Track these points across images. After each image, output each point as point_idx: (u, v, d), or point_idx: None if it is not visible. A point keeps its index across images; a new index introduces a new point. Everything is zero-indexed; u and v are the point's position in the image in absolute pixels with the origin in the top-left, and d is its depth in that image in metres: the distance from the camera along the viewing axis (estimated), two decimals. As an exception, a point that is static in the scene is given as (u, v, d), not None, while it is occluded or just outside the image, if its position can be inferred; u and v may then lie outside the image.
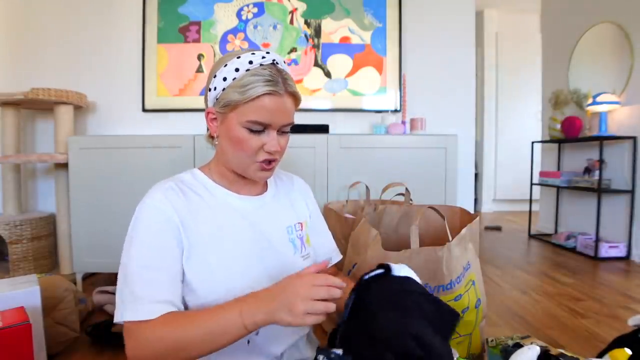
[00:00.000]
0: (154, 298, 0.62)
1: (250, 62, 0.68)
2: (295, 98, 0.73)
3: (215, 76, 0.72)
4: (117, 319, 0.63)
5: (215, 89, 0.72)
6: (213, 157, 0.81)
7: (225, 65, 0.70)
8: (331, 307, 0.57)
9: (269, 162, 0.73)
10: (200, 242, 0.69)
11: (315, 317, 0.57)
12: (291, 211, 0.84)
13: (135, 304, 0.61)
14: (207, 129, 0.78)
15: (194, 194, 0.73)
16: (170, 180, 0.74)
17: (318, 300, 0.57)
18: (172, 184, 0.72)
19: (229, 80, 0.69)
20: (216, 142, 0.76)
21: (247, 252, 0.73)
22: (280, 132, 0.73)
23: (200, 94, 2.39)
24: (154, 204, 0.68)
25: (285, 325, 0.58)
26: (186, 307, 0.69)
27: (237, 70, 0.68)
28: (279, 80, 0.68)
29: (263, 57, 0.69)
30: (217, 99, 0.72)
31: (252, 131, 0.70)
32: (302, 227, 0.84)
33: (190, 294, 0.68)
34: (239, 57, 0.70)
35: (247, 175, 0.75)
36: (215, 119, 0.74)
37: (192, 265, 0.68)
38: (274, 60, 0.70)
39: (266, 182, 0.84)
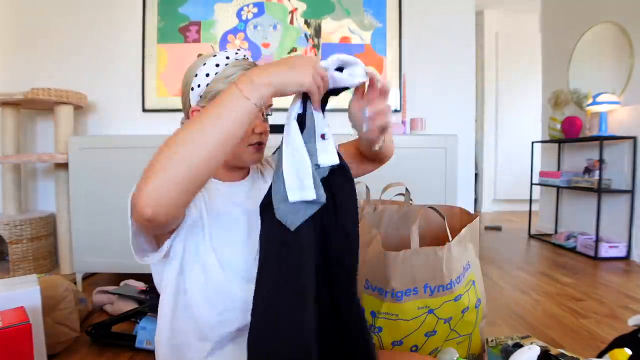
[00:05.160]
0: None
1: (227, 58, 0.76)
2: None
3: (196, 75, 0.77)
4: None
5: (199, 86, 0.76)
6: None
7: (205, 64, 0.76)
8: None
9: (259, 143, 0.78)
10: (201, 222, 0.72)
11: (314, 79, 0.59)
12: None
13: None
14: None
15: None
16: None
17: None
18: None
19: (212, 75, 0.75)
20: None
21: (241, 232, 0.75)
22: (263, 116, 0.79)
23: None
24: None
25: (286, 79, 0.58)
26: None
27: (217, 65, 0.75)
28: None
29: (236, 53, 0.77)
30: (201, 96, 0.77)
31: None
32: None
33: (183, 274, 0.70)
34: (215, 56, 0.77)
35: (242, 161, 0.79)
36: None
37: (190, 242, 0.70)
38: (244, 55, 0.79)
39: (248, 168, 0.87)
